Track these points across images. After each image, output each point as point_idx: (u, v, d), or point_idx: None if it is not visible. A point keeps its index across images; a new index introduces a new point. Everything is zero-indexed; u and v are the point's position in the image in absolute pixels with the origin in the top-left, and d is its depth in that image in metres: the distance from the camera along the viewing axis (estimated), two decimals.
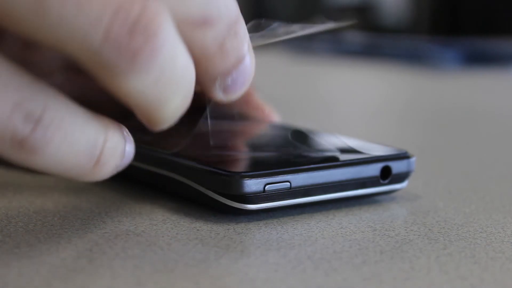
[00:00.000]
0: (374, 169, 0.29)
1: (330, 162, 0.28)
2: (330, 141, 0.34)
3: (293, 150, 0.32)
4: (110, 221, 0.27)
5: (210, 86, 0.26)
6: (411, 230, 0.26)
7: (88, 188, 0.31)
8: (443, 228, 0.27)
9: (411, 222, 0.27)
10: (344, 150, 0.31)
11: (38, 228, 0.26)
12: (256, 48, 0.27)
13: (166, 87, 0.23)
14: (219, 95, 0.26)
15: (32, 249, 0.24)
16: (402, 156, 0.30)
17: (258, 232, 0.26)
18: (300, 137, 0.35)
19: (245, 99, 0.37)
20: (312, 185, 0.28)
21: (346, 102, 0.67)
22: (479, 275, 0.22)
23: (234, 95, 0.26)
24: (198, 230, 0.26)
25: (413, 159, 0.30)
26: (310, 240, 0.25)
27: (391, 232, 0.26)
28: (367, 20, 2.26)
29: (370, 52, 0.96)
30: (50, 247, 0.24)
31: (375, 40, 1.10)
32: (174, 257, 0.23)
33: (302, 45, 1.01)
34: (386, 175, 0.29)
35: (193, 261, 0.23)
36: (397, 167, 0.29)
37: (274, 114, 0.37)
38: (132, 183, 0.32)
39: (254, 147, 0.34)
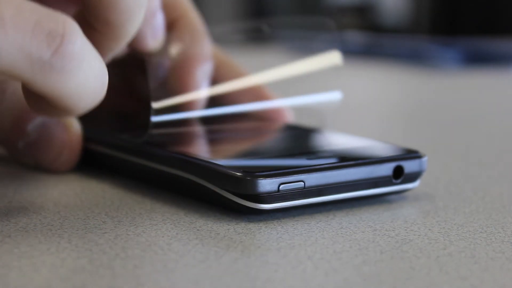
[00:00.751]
0: (386, 169, 0.29)
1: (344, 161, 0.28)
2: (342, 140, 0.34)
3: (306, 149, 0.32)
4: (110, 221, 0.27)
5: (145, 31, 0.33)
6: (411, 230, 0.26)
7: (88, 188, 0.31)
8: (443, 228, 0.27)
9: (411, 222, 0.27)
10: (356, 150, 0.31)
11: (38, 228, 0.26)
12: None
13: None
14: (150, 42, 0.33)
15: (32, 249, 0.24)
16: (414, 155, 0.30)
17: (258, 232, 0.26)
18: (313, 136, 0.35)
19: (259, 96, 0.37)
20: (326, 184, 0.28)
21: (345, 102, 0.67)
22: (479, 275, 0.22)
23: (157, 40, 0.34)
24: (198, 230, 0.26)
25: (425, 159, 0.30)
26: (310, 240, 0.25)
27: (391, 232, 0.26)
28: (367, 20, 2.26)
29: (370, 52, 0.96)
30: (50, 247, 0.24)
31: (375, 40, 1.10)
32: (174, 257, 0.23)
33: (302, 45, 1.01)
34: (399, 174, 0.29)
35: (193, 261, 0.23)
36: (409, 166, 0.29)
37: (288, 114, 0.38)
38: (136, 182, 0.32)
39: (267, 147, 0.34)
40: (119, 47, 0.27)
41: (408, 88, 0.77)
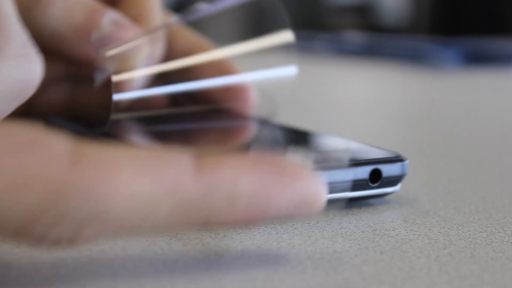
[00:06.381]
0: (362, 172, 0.28)
1: (317, 163, 0.28)
2: (321, 142, 0.34)
3: (279, 149, 0.32)
4: None
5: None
6: (411, 230, 0.27)
7: None
8: (443, 228, 0.27)
9: (411, 222, 0.27)
10: (333, 152, 0.31)
11: None
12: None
13: None
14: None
15: (32, 249, 0.24)
16: (394, 159, 0.29)
17: (258, 232, 0.26)
18: (287, 136, 0.34)
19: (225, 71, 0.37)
20: None
21: (345, 102, 0.67)
22: (479, 275, 0.22)
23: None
24: (198, 230, 0.26)
25: (406, 162, 0.29)
26: (310, 240, 0.25)
27: (391, 232, 0.26)
28: (367, 20, 2.26)
29: (370, 52, 0.96)
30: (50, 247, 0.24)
31: (375, 40, 1.10)
32: (174, 257, 0.23)
33: (302, 45, 1.01)
34: (376, 178, 0.29)
35: (193, 261, 0.23)
36: (388, 170, 0.29)
37: (252, 93, 0.37)
38: None
39: (241, 146, 0.34)
40: None
41: (408, 88, 0.77)
